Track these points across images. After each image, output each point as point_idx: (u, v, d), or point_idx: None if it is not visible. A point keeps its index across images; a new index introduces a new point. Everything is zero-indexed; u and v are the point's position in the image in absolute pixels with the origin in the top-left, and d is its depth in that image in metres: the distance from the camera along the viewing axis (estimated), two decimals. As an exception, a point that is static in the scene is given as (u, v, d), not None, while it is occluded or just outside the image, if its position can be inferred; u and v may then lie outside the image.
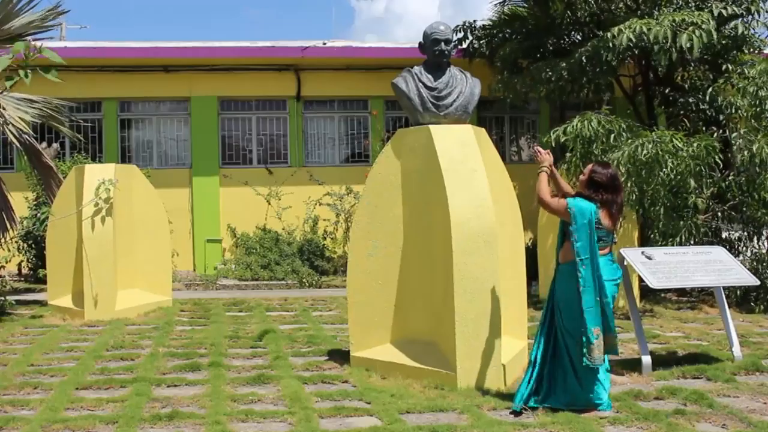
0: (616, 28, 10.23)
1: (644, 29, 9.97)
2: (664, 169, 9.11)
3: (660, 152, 9.07)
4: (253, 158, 15.32)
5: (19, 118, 9.54)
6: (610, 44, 10.24)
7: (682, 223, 9.45)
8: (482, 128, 6.90)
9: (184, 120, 15.15)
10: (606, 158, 9.19)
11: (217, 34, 64.29)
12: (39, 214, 12.54)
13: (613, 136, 9.55)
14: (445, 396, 5.80)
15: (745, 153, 9.69)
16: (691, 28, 9.99)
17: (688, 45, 9.88)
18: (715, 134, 10.05)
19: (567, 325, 5.46)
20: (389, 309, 6.75)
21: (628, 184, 9.20)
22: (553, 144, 9.77)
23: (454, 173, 6.23)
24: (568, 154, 10.08)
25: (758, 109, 10.06)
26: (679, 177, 9.17)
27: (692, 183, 9.31)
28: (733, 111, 10.55)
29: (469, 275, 6.02)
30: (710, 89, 10.90)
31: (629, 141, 9.37)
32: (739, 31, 10.71)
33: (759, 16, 11.25)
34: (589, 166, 5.68)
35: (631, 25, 10.13)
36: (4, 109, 9.48)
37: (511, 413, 5.44)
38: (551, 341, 5.55)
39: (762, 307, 9.67)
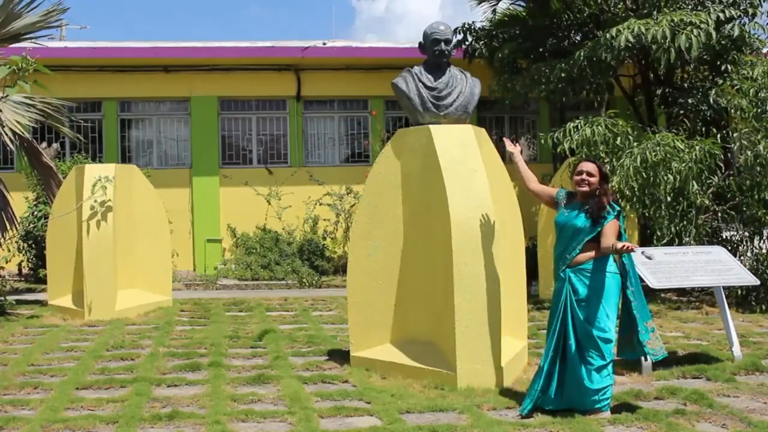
0: (614, 29, 10.23)
1: (642, 29, 9.98)
2: (669, 173, 9.09)
3: (666, 156, 9.07)
4: (253, 158, 15.32)
5: (16, 121, 9.56)
6: (609, 45, 10.24)
7: (684, 223, 9.45)
8: (482, 128, 6.91)
9: (184, 120, 15.15)
10: (615, 162, 9.21)
11: (217, 33, 64.29)
12: (36, 212, 12.55)
13: (619, 139, 9.55)
14: (445, 396, 5.80)
15: (748, 153, 9.69)
16: (689, 28, 10.00)
17: (687, 45, 9.89)
18: (717, 135, 10.05)
19: (590, 324, 5.32)
20: (389, 309, 6.75)
21: (634, 187, 9.19)
22: (568, 151, 9.75)
23: (454, 173, 6.23)
24: (571, 159, 10.06)
25: (759, 110, 10.06)
26: (681, 179, 9.15)
27: (695, 185, 9.29)
28: (734, 112, 10.55)
29: (469, 275, 6.02)
30: (711, 90, 10.91)
31: (635, 144, 9.35)
32: (735, 34, 10.69)
33: (757, 18, 11.23)
34: (591, 165, 5.54)
35: (629, 25, 10.13)
36: (0, 111, 9.49)
37: (521, 416, 5.40)
38: (561, 345, 5.45)
39: (762, 307, 9.66)
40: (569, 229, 5.49)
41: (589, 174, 5.50)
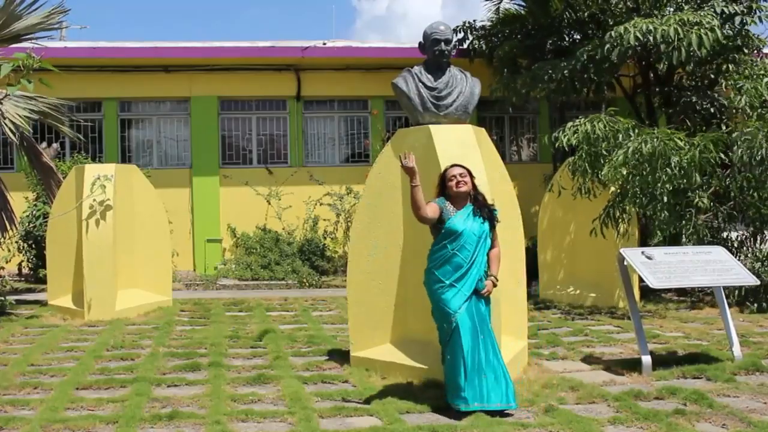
0: (621, 27, 10.23)
1: (651, 28, 9.99)
2: (668, 166, 9.05)
3: (664, 147, 9.02)
4: (253, 158, 15.32)
5: (17, 114, 9.57)
6: (616, 43, 10.23)
7: (683, 222, 9.43)
8: (482, 128, 6.91)
9: (184, 120, 15.15)
10: (610, 157, 9.17)
11: (217, 34, 64.30)
12: (35, 211, 12.54)
13: (620, 136, 9.53)
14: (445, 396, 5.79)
15: (747, 151, 9.67)
16: (696, 28, 10.02)
17: (697, 43, 9.91)
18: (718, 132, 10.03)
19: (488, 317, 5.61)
20: (389, 309, 6.76)
21: (630, 180, 9.16)
22: (566, 147, 9.73)
23: (454, 173, 6.22)
24: (571, 158, 10.03)
25: (760, 110, 10.04)
26: (683, 172, 9.09)
27: (697, 178, 9.21)
28: (734, 110, 10.53)
29: (469, 275, 6.01)
30: (711, 89, 10.91)
31: (633, 138, 9.33)
32: (740, 41, 10.69)
33: (760, 12, 11.22)
34: (460, 168, 5.59)
35: (636, 23, 10.14)
36: (1, 104, 9.51)
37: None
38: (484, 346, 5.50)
39: (762, 307, 9.66)
40: (479, 235, 5.49)
41: (462, 175, 5.57)
